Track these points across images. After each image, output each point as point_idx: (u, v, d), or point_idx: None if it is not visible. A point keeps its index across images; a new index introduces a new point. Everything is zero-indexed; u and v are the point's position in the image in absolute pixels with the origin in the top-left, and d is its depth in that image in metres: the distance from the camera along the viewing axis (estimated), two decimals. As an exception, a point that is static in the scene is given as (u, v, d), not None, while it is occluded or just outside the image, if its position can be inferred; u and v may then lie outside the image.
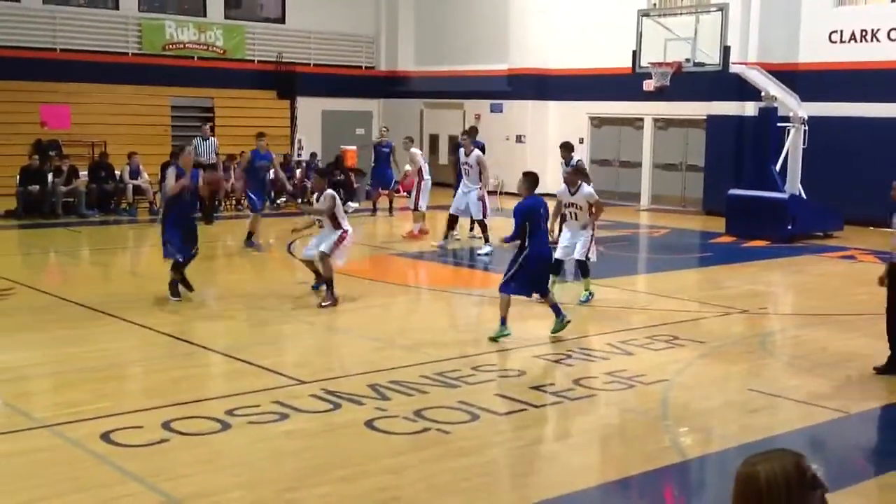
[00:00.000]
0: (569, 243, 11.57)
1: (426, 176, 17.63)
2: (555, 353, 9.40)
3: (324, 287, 11.37)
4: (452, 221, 16.22)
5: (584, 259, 11.55)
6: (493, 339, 9.55)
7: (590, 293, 11.65)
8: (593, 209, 11.58)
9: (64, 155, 20.39)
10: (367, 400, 7.53)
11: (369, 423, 6.98)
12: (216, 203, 20.40)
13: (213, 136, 20.76)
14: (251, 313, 11.03)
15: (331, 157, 24.14)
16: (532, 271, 9.53)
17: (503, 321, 9.62)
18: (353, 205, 21.37)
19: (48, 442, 6.52)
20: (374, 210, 21.10)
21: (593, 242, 11.68)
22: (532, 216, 9.47)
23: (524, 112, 25.64)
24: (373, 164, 21.10)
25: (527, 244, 9.48)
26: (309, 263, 11.75)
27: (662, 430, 7.24)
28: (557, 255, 11.31)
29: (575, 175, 11.83)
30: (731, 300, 12.25)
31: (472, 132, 17.09)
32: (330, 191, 11.48)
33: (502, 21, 26.03)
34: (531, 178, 9.68)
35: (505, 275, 9.68)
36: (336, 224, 11.34)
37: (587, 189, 11.65)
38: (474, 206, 15.69)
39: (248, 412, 7.13)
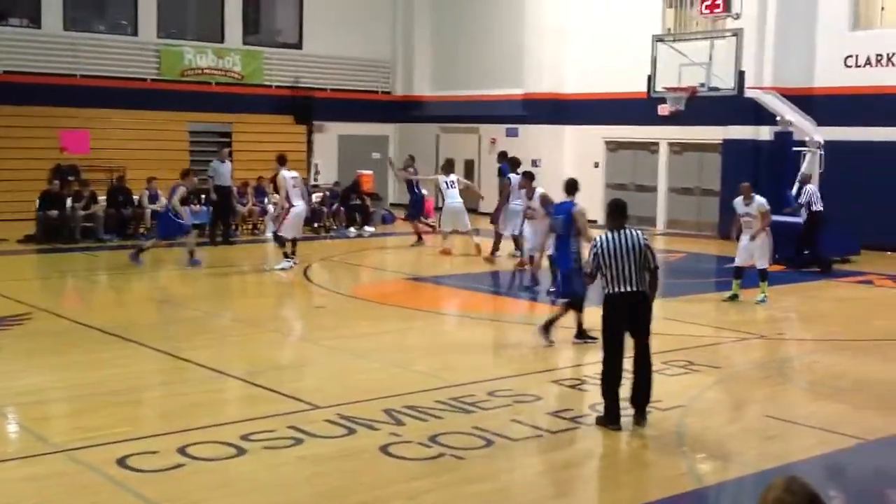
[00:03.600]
0: (746, 251, 13.55)
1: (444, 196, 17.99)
2: (571, 378, 9.39)
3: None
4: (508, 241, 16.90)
5: (764, 267, 13.47)
6: None
7: (765, 296, 13.43)
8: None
9: (83, 180, 20.56)
10: (381, 425, 7.53)
11: (384, 449, 6.98)
12: (233, 227, 20.47)
13: (231, 160, 20.79)
14: (267, 337, 11.07)
15: (347, 181, 24.24)
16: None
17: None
18: (369, 229, 21.46)
19: (65, 467, 6.55)
20: (420, 239, 19.68)
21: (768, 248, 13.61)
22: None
23: (540, 136, 25.71)
24: (411, 195, 20.38)
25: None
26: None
27: (679, 457, 7.20)
28: (736, 262, 13.69)
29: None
30: (748, 325, 12.21)
31: (505, 157, 17.63)
32: None
33: (518, 46, 26.17)
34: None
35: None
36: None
37: (760, 200, 13.51)
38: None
39: (263, 437, 7.15)
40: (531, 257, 14.61)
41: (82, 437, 7.13)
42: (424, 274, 16.17)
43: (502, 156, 19.42)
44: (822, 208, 16.78)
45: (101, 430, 7.30)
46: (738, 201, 13.66)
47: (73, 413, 8.05)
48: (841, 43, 20.67)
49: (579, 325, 10.56)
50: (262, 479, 6.41)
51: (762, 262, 13.55)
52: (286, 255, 15.91)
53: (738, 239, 13.86)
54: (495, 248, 17.24)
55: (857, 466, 7.42)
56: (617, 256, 7.62)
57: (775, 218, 16.75)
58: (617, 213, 7.94)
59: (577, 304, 10.49)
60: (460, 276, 16.09)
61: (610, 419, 7.66)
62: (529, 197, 14.54)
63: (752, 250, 13.53)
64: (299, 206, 16.07)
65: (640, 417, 7.76)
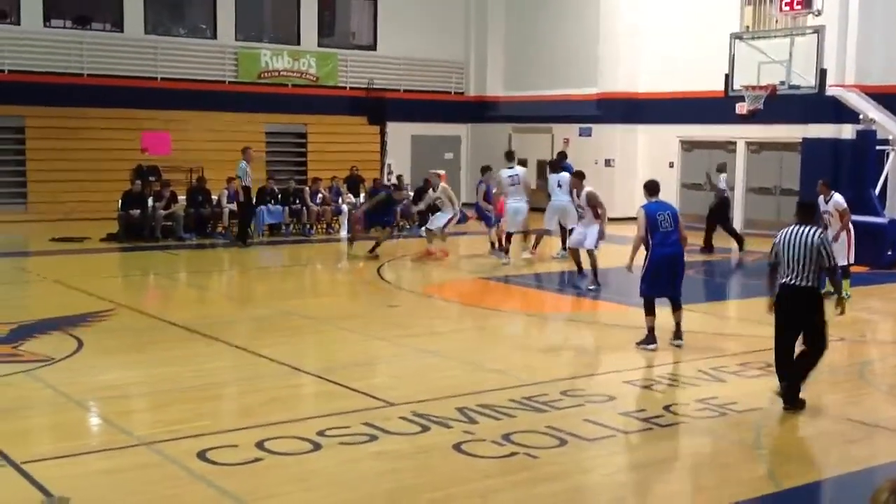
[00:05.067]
0: None
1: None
2: (645, 378, 9.31)
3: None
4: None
5: (844, 264, 12.80)
6: None
7: (847, 294, 12.50)
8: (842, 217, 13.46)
9: (164, 180, 21.05)
10: (454, 423, 7.56)
11: (457, 447, 7.01)
12: (248, 227, 19.74)
13: (249, 159, 19.33)
14: (342, 335, 11.20)
15: (419, 181, 24.35)
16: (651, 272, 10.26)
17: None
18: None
19: (148, 459, 6.72)
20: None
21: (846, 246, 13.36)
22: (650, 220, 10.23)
23: (613, 136, 25.51)
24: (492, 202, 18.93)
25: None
26: None
27: (757, 459, 7.09)
28: None
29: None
30: (829, 327, 11.92)
31: (561, 157, 17.21)
32: None
33: (591, 45, 26.00)
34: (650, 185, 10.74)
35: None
36: None
37: (837, 198, 13.48)
38: (592, 237, 14.52)
39: (338, 433, 7.24)
40: (574, 250, 14.96)
41: (164, 430, 7.32)
42: (497, 273, 16.17)
43: (562, 156, 19.42)
44: None
45: (182, 423, 7.48)
46: (820, 199, 13.51)
47: (154, 407, 8.25)
48: (926, 38, 20.09)
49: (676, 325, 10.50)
50: (337, 475, 6.49)
51: (842, 260, 13.30)
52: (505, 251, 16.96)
53: None
54: (536, 243, 17.64)
55: (943, 473, 7.22)
56: (790, 250, 8.15)
57: (858, 218, 16.40)
58: (803, 211, 8.52)
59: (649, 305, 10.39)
60: (531, 275, 16.06)
61: (784, 399, 8.19)
62: (578, 195, 14.71)
63: (834, 248, 13.31)
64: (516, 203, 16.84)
65: (780, 394, 8.19)
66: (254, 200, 20.05)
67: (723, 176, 19.82)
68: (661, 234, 10.19)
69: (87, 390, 8.52)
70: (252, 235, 19.81)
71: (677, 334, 10.44)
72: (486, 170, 18.72)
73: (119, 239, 19.31)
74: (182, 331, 11.08)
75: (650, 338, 10.28)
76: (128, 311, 12.29)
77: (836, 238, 13.29)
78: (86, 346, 10.10)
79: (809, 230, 8.21)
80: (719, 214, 19.22)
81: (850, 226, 13.66)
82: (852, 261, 13.66)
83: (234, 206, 19.95)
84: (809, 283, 8.11)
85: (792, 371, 8.24)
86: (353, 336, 11.09)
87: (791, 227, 8.32)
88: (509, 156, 17.72)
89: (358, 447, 7.01)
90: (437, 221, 17.83)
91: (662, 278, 10.27)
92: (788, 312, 8.22)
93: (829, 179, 14.24)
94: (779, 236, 8.34)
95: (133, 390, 8.77)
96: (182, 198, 20.47)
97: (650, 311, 10.33)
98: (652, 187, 10.67)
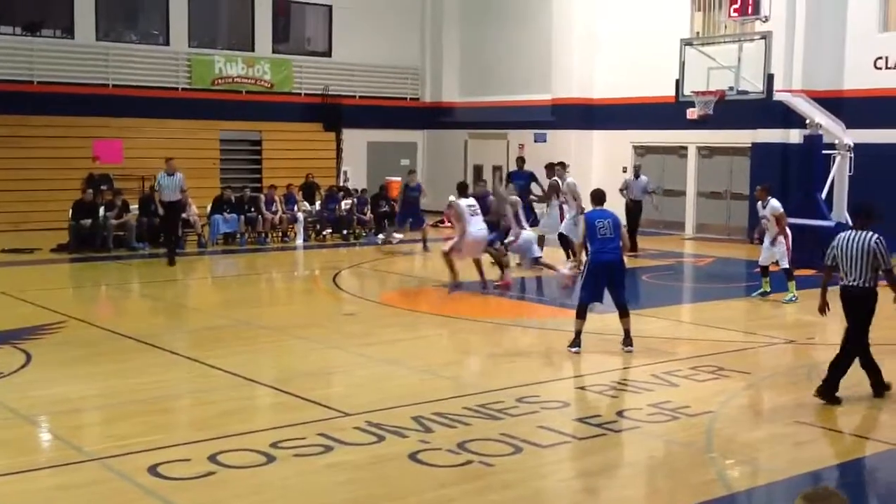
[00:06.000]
0: (766, 251, 14.14)
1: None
2: (598, 384, 9.38)
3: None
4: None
5: (786, 267, 13.85)
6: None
7: (794, 296, 13.74)
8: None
9: (116, 189, 20.80)
10: (410, 432, 7.57)
11: (413, 456, 7.02)
12: (177, 237, 18.50)
13: (177, 170, 17.70)
14: (297, 344, 11.16)
15: (375, 188, 24.36)
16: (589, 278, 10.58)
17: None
18: (397, 235, 21.53)
19: (98, 475, 6.64)
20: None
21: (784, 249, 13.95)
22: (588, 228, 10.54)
23: (568, 141, 25.69)
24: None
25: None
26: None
27: (708, 463, 7.19)
28: (760, 261, 14.31)
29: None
30: (778, 330, 12.14)
31: (520, 163, 17.41)
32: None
33: (546, 51, 26.19)
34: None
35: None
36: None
37: (773, 203, 13.92)
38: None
39: (293, 444, 7.22)
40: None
41: (114, 445, 7.23)
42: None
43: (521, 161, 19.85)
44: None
45: (134, 438, 7.40)
46: (759, 204, 14.29)
47: (105, 421, 8.16)
48: (870, 45, 20.51)
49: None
50: (292, 487, 6.47)
51: (784, 262, 14.03)
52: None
53: (761, 241, 14.63)
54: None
55: (889, 471, 7.37)
56: (846, 253, 8.61)
57: (805, 221, 16.67)
58: (860, 215, 8.91)
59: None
60: (488, 282, 16.07)
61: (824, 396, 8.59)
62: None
63: (773, 251, 14.09)
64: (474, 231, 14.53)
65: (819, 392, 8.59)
66: (178, 215, 18.38)
67: (641, 180, 20.40)
68: (599, 241, 10.43)
69: (36, 405, 8.40)
70: (184, 246, 19.32)
71: (627, 340, 10.56)
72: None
73: (70, 249, 19.04)
74: (134, 343, 10.97)
75: (575, 341, 10.48)
76: (78, 324, 12.13)
77: (773, 242, 13.88)
78: (34, 359, 9.96)
79: (866, 235, 8.61)
80: (632, 219, 19.75)
81: (787, 230, 14.12)
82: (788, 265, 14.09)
83: (186, 216, 19.68)
84: (867, 284, 8.55)
85: (869, 370, 8.74)
86: (309, 345, 11.06)
87: (848, 233, 8.77)
88: (462, 189, 15.37)
89: (313, 458, 6.99)
90: (527, 245, 14.98)
91: (600, 285, 10.51)
92: (850, 312, 8.75)
93: (769, 185, 14.80)
94: (837, 241, 8.81)
95: (83, 404, 8.66)
96: (134, 207, 20.24)
97: (580, 314, 10.52)
98: (596, 196, 11.07)
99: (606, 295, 10.62)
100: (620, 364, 10.18)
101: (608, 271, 10.44)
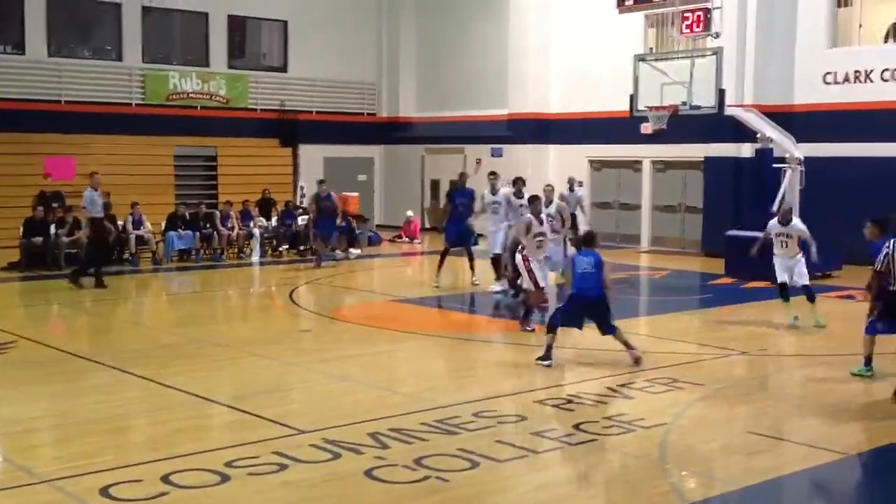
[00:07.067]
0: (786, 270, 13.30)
1: None
2: (555, 397, 9.41)
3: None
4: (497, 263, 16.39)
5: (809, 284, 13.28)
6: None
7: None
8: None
9: (67, 206, 20.53)
10: (366, 449, 7.54)
11: (369, 473, 6.99)
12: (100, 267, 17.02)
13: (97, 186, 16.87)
14: (253, 361, 11.06)
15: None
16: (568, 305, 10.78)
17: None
18: (355, 251, 21.49)
19: (48, 497, 6.52)
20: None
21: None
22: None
23: (524, 156, 25.84)
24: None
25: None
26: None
27: (663, 474, 7.23)
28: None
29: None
30: (731, 342, 12.27)
31: (463, 178, 17.29)
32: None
33: (501, 67, 26.35)
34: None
35: None
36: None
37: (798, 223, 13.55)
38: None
39: (247, 463, 7.14)
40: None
41: (65, 466, 7.12)
42: (410, 295, 16.19)
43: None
44: None
45: (85, 459, 7.29)
46: (774, 223, 13.52)
47: (56, 442, 8.03)
48: (819, 60, 20.92)
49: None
50: (247, 506, 6.40)
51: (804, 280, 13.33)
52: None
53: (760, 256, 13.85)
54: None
55: (841, 481, 7.47)
56: None
57: (756, 234, 16.89)
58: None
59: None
60: (445, 297, 16.12)
61: None
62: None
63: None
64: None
65: None
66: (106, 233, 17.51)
67: (576, 193, 20.18)
68: (579, 275, 10.60)
69: (-14, 426, 8.24)
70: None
71: (632, 352, 10.72)
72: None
73: (21, 268, 18.76)
74: (86, 362, 10.81)
75: (546, 355, 10.59)
76: (29, 343, 11.93)
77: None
78: (-16, 380, 9.77)
79: None
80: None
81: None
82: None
83: (140, 232, 19.48)
84: None
85: None
86: (265, 362, 10.97)
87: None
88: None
89: (267, 477, 6.93)
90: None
91: (578, 314, 10.73)
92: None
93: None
94: (891, 246, 9.23)
95: (34, 424, 8.52)
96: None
97: (551, 329, 10.69)
98: (586, 239, 11.31)
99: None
100: (577, 377, 10.24)
101: (586, 306, 10.65)
